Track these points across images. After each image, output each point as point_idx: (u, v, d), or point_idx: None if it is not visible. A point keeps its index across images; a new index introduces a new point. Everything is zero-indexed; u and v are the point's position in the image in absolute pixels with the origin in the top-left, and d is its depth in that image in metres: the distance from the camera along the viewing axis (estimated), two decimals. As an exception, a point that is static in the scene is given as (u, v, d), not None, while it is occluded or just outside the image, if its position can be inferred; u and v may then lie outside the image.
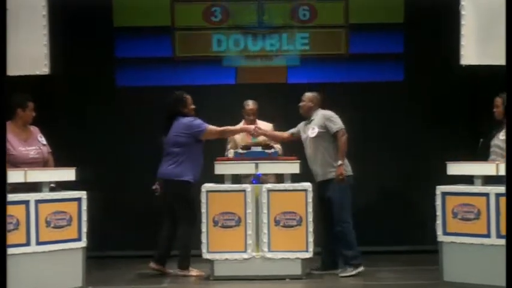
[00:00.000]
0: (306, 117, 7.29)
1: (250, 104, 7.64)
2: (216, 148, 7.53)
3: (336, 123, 7.10)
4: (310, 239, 6.82)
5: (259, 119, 7.67)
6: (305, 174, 7.12)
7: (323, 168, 7.10)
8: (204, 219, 6.83)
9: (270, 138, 7.39)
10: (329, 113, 7.18)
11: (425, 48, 8.51)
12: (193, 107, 7.20)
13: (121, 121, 8.54)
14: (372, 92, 8.60)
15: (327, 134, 7.10)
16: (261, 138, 7.37)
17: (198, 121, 7.07)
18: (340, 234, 7.05)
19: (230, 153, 7.35)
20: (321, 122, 7.14)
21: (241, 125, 7.57)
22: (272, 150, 7.08)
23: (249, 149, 7.10)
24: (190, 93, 7.31)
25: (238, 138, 7.58)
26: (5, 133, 5.93)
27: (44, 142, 6.81)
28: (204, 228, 6.84)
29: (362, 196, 7.79)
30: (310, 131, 7.17)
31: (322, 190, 7.10)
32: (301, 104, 7.29)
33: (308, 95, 7.31)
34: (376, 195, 8.51)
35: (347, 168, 7.13)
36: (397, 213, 8.46)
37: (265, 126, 7.57)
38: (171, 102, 7.16)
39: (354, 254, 7.05)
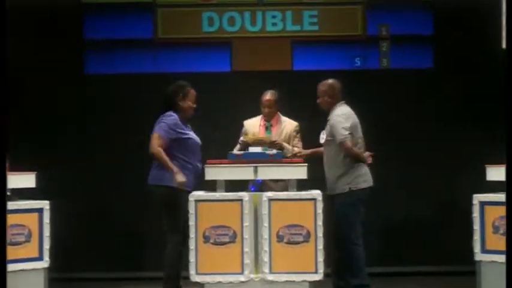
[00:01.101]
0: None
1: (267, 95, 7.50)
2: (219, 147, 7.39)
3: (339, 130, 6.87)
4: (320, 258, 6.75)
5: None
6: (315, 180, 7.02)
7: (331, 180, 7.00)
8: (192, 234, 6.77)
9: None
10: (335, 117, 6.96)
11: (459, 30, 8.54)
12: (193, 105, 6.96)
13: (91, 117, 8.54)
14: (395, 82, 8.58)
15: (334, 142, 6.98)
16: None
17: (167, 120, 6.76)
18: (345, 258, 6.95)
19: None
20: (328, 127, 7.03)
21: (259, 118, 7.45)
22: (274, 152, 6.98)
23: (247, 148, 7.02)
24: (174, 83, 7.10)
25: (251, 132, 7.39)
26: (5, 133, 5.93)
27: (-2, 141, 6.76)
28: (192, 245, 6.78)
29: (382, 207, 7.74)
30: (321, 135, 7.08)
31: (330, 205, 6.99)
32: (318, 101, 7.16)
33: (321, 88, 7.10)
34: (399, 205, 8.48)
35: (365, 177, 7.00)
36: (424, 227, 8.44)
37: (289, 124, 7.44)
38: (170, 92, 6.93)
39: (361, 283, 6.93)
